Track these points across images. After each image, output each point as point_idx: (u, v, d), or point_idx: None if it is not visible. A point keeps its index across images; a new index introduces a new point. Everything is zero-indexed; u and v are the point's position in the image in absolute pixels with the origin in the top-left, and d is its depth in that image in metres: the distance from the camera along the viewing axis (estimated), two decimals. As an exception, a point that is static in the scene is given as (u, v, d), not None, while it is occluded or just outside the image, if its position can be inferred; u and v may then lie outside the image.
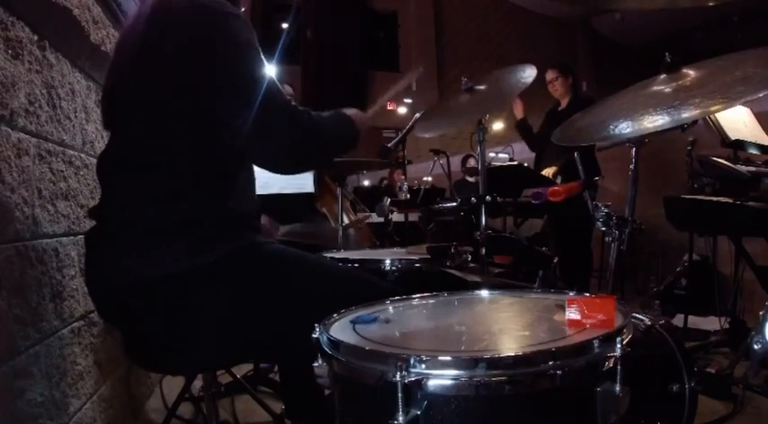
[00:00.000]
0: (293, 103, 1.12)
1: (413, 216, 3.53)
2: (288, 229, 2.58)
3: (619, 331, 0.74)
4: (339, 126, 1.24)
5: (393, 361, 0.67)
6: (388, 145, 1.94)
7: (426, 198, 4.36)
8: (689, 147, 2.53)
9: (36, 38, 1.27)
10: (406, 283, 1.40)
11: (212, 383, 1.56)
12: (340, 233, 2.30)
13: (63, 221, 1.43)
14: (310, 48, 10.97)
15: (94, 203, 1.23)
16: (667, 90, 1.22)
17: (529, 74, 1.66)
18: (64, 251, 1.42)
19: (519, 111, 3.80)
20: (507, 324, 0.94)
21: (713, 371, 2.11)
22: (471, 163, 6.14)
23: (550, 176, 3.38)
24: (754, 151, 2.47)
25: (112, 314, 1.19)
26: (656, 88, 1.26)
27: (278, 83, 1.12)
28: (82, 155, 1.58)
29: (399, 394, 0.65)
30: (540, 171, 3.52)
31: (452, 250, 1.44)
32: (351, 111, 1.30)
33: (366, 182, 9.47)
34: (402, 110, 12.64)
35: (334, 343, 0.78)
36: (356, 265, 1.51)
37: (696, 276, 3.24)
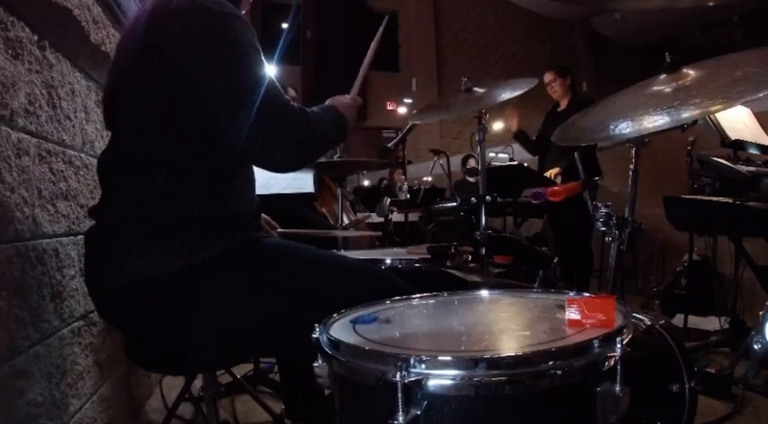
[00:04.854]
0: (292, 104, 1.12)
1: (413, 216, 3.53)
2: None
3: (619, 331, 0.74)
4: (331, 121, 1.26)
5: (393, 361, 0.67)
6: (388, 145, 1.95)
7: (426, 198, 4.37)
8: (689, 147, 2.53)
9: (36, 38, 1.27)
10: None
11: (212, 383, 1.56)
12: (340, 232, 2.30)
13: (63, 221, 1.43)
14: (310, 48, 10.97)
15: (94, 203, 1.23)
16: (667, 90, 1.22)
17: (529, 85, 1.66)
18: (64, 251, 1.42)
19: (514, 124, 3.81)
20: (507, 324, 0.94)
21: (713, 371, 2.11)
22: (471, 163, 6.14)
23: (552, 177, 3.38)
24: (754, 151, 2.47)
25: (112, 314, 1.19)
26: (656, 88, 1.26)
27: (277, 83, 1.12)
28: (82, 155, 1.58)
29: (399, 394, 0.65)
30: (543, 172, 3.52)
31: (452, 250, 1.44)
32: (336, 101, 1.31)
33: (366, 182, 9.47)
34: (402, 110, 12.65)
35: (334, 343, 0.78)
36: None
37: (696, 276, 3.24)
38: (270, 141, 1.09)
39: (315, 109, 1.23)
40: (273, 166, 1.17)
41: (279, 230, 1.79)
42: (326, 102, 1.32)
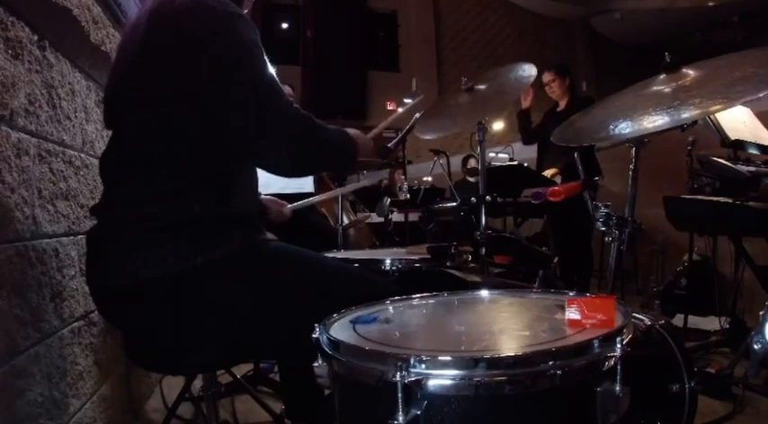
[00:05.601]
0: (295, 105, 1.12)
1: (413, 216, 3.53)
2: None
3: (619, 331, 0.74)
4: (340, 137, 1.23)
5: (393, 361, 0.67)
6: (388, 145, 1.95)
7: (426, 198, 4.36)
8: (689, 147, 2.53)
9: (36, 38, 1.27)
10: (406, 283, 1.40)
11: (212, 383, 1.56)
12: (340, 232, 2.30)
13: (63, 221, 1.43)
14: (310, 48, 10.96)
15: (95, 203, 1.23)
16: (667, 90, 1.22)
17: (527, 71, 1.66)
18: (64, 251, 1.42)
19: (526, 101, 3.78)
20: (507, 324, 0.94)
21: (713, 371, 2.11)
22: (471, 163, 6.14)
23: (550, 177, 3.38)
24: (754, 151, 2.47)
25: (113, 314, 1.19)
26: (655, 88, 1.26)
27: (279, 83, 1.12)
28: (82, 155, 1.58)
29: (399, 394, 0.65)
30: (542, 172, 3.52)
31: (452, 250, 1.44)
32: (352, 131, 1.29)
33: (366, 182, 9.46)
34: (402, 111, 12.63)
35: (334, 343, 0.78)
36: (356, 265, 1.51)
37: (696, 276, 3.24)
38: (272, 141, 1.09)
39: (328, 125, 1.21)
40: (275, 167, 1.17)
41: (289, 206, 1.80)
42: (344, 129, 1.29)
